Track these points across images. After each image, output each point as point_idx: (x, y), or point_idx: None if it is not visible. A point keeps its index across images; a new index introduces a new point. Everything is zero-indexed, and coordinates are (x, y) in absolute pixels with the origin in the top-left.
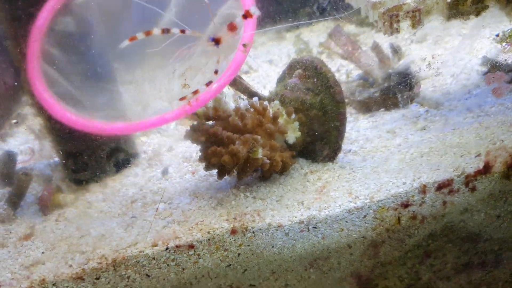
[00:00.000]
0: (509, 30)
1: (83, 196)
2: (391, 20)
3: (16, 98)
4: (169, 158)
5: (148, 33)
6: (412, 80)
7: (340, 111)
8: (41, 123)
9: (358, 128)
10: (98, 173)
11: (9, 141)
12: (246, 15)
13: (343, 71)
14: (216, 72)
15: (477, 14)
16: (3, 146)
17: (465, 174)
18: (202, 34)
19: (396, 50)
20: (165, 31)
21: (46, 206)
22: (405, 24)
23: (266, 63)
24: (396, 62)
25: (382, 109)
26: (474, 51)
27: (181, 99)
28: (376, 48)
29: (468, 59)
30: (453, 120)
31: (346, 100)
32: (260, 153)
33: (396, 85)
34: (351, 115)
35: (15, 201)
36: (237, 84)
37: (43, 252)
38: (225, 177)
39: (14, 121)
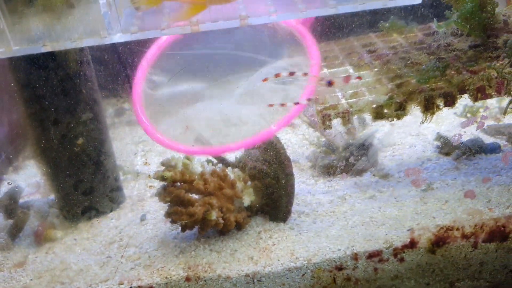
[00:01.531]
0: (470, 106)
1: (72, 233)
2: (323, 118)
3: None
4: (150, 205)
5: (277, 75)
6: (368, 150)
7: (289, 182)
8: (42, 169)
9: (315, 192)
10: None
11: (20, 173)
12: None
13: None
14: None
15: (398, 118)
16: (14, 178)
17: (393, 247)
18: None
19: (363, 120)
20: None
21: (39, 239)
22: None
23: None
24: (361, 132)
25: (340, 176)
26: (439, 122)
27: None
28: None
29: (431, 129)
30: (399, 192)
31: (311, 164)
32: (214, 215)
33: (352, 154)
34: (313, 177)
35: (14, 232)
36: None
37: (31, 279)
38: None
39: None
